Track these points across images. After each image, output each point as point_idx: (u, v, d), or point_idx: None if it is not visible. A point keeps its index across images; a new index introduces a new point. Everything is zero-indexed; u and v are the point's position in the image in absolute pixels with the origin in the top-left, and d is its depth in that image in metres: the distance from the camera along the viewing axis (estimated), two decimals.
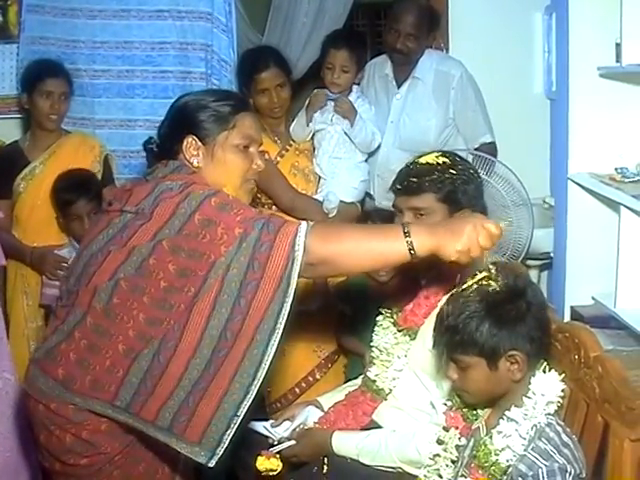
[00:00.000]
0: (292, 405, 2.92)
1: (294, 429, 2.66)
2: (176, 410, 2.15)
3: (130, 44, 3.94)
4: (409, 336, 2.53)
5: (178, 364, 2.15)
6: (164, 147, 2.38)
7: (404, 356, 2.55)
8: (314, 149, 3.59)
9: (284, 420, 2.71)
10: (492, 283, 2.00)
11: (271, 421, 2.76)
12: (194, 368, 2.15)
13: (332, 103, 3.54)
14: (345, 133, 3.53)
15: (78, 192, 3.37)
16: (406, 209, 2.47)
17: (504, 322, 1.94)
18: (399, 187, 2.49)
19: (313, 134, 3.58)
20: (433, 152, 2.55)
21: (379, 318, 2.68)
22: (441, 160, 2.46)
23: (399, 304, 2.61)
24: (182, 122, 2.36)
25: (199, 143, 2.32)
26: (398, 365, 2.56)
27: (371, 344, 2.67)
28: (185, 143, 2.31)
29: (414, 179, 2.44)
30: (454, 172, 2.43)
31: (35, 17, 3.98)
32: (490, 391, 2.04)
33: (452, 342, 2.00)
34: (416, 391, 2.50)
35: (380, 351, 2.61)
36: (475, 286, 2.01)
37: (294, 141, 3.60)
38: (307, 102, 3.59)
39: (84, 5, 3.95)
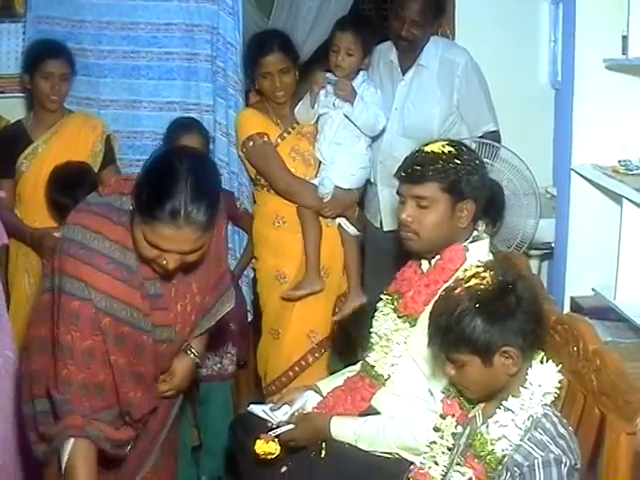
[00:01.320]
0: (291, 389, 2.93)
1: (293, 413, 2.68)
2: None
3: (136, 25, 3.90)
4: (409, 323, 2.54)
5: None
6: None
7: (403, 342, 2.56)
8: (317, 133, 3.59)
9: (283, 404, 2.73)
10: (481, 280, 2.01)
11: (270, 405, 2.78)
12: None
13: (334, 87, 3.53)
14: (347, 117, 3.51)
15: (72, 197, 3.21)
16: (409, 197, 2.49)
17: (495, 318, 1.96)
18: (403, 174, 2.52)
19: (318, 118, 3.57)
20: (439, 140, 2.56)
21: (380, 304, 2.69)
22: (447, 149, 2.47)
23: (400, 291, 2.62)
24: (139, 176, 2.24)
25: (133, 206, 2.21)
26: (397, 351, 2.57)
27: (370, 330, 2.69)
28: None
29: (418, 167, 2.46)
30: (459, 162, 2.44)
31: None
32: (487, 386, 2.06)
33: (446, 341, 2.02)
34: (414, 378, 2.52)
35: (380, 337, 2.62)
36: (465, 284, 2.03)
37: (298, 124, 3.60)
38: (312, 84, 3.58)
39: None
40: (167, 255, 2.17)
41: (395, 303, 2.62)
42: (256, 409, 2.75)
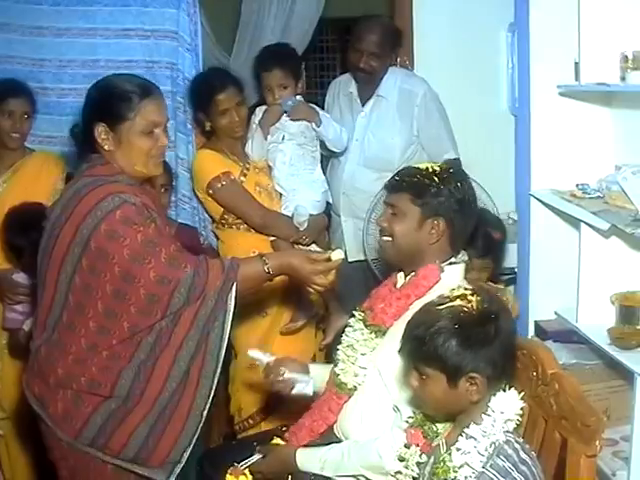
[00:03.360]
0: (288, 360, 2.91)
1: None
2: (141, 443, 2.45)
3: (96, 62, 3.90)
4: (375, 333, 2.54)
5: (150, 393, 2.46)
6: (84, 134, 2.57)
7: (369, 353, 2.56)
8: (270, 167, 3.59)
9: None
10: (467, 302, 2.01)
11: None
12: (165, 395, 2.47)
13: (283, 121, 3.55)
14: (299, 147, 3.54)
15: (26, 238, 3.25)
16: (386, 204, 2.59)
17: (470, 343, 1.96)
18: (386, 183, 2.60)
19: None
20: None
21: (351, 320, 2.68)
22: (432, 167, 2.53)
23: (373, 307, 2.63)
24: (91, 111, 2.56)
25: (108, 129, 2.51)
26: (362, 362, 2.56)
27: (339, 343, 2.69)
28: (96, 131, 2.51)
29: (397, 177, 2.55)
30: (436, 179, 2.48)
31: (1, 35, 3.95)
32: (446, 406, 2.07)
33: (417, 351, 2.02)
34: (378, 392, 2.50)
35: (346, 346, 2.63)
36: (448, 303, 2.03)
37: (250, 161, 3.59)
38: (259, 119, 3.59)
39: (51, 24, 3.92)
40: (159, 134, 2.56)
41: (365, 314, 2.62)
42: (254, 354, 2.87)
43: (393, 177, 2.58)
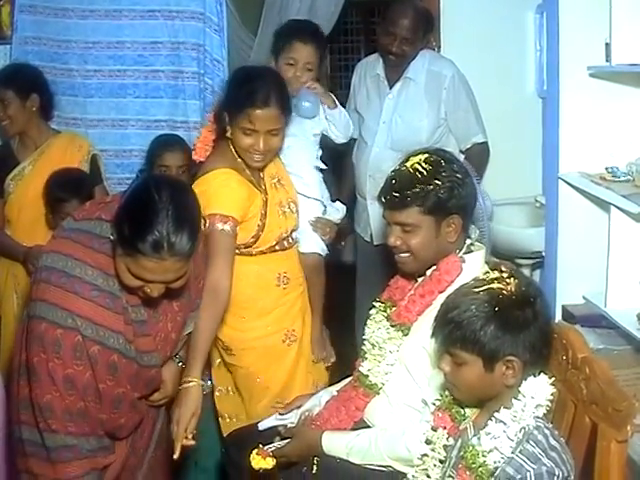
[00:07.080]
0: (298, 397, 2.88)
1: (301, 414, 2.69)
2: None
3: (122, 44, 3.95)
4: (401, 332, 2.52)
5: None
6: None
7: (396, 351, 2.54)
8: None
9: (291, 410, 2.73)
10: (505, 285, 1.98)
11: (276, 414, 2.76)
12: None
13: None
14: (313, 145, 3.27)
15: (72, 192, 3.33)
16: (393, 223, 2.48)
17: (509, 327, 1.93)
18: (383, 201, 2.49)
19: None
20: (419, 153, 2.48)
21: (372, 311, 2.66)
22: (425, 167, 2.40)
23: (393, 298, 2.61)
24: None
25: None
26: (390, 360, 2.54)
27: (363, 337, 2.66)
28: None
29: (397, 194, 2.42)
30: (438, 181, 2.39)
31: (28, 17, 4.00)
32: (480, 391, 2.04)
33: (453, 336, 1.99)
34: (407, 388, 2.49)
35: (372, 345, 2.59)
36: (485, 286, 1.99)
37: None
38: None
39: (76, 5, 3.96)
40: (151, 285, 2.18)
41: (388, 311, 2.60)
42: (266, 423, 2.73)
43: (391, 194, 2.43)
